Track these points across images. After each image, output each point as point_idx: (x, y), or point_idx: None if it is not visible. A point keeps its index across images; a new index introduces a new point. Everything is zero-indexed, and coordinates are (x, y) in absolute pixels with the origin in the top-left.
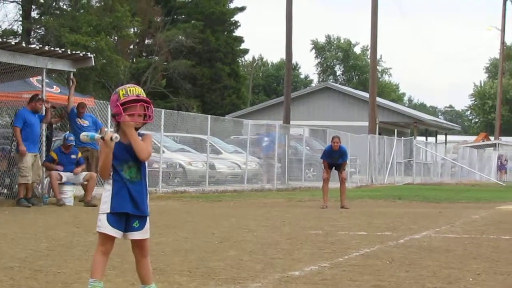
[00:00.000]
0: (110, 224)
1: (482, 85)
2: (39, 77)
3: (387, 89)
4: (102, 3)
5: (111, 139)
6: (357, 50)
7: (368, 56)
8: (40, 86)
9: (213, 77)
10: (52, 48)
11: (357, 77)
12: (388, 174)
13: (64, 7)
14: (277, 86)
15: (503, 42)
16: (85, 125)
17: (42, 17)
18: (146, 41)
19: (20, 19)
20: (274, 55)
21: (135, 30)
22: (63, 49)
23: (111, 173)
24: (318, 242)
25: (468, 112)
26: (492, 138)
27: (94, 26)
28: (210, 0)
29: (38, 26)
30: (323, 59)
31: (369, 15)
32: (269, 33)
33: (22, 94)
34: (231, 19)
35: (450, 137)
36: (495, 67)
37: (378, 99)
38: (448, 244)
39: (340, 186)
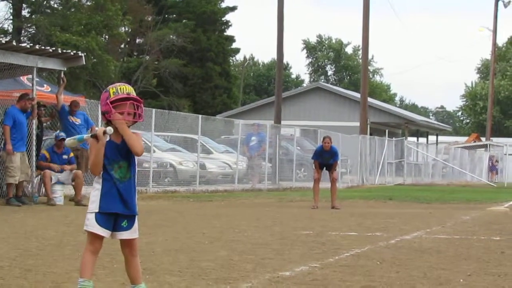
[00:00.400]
0: (98, 223)
1: (474, 86)
2: (30, 76)
3: (378, 89)
4: (93, 2)
5: (104, 132)
6: (349, 50)
7: (360, 56)
8: (31, 84)
9: (204, 77)
10: (43, 47)
11: (348, 77)
12: (379, 174)
13: (55, 5)
14: (268, 86)
15: (494, 43)
16: (77, 123)
17: (33, 16)
18: (137, 40)
19: (11, 17)
20: (265, 55)
21: (126, 29)
22: (54, 48)
23: (101, 171)
24: (308, 243)
25: (459, 113)
26: (483, 139)
27: (84, 25)
28: None
29: (28, 25)
30: (314, 59)
31: (361, 15)
32: (260, 33)
33: (12, 93)
34: (222, 19)
35: (441, 138)
36: (486, 68)
37: (369, 99)
38: (439, 245)
39: (331, 187)
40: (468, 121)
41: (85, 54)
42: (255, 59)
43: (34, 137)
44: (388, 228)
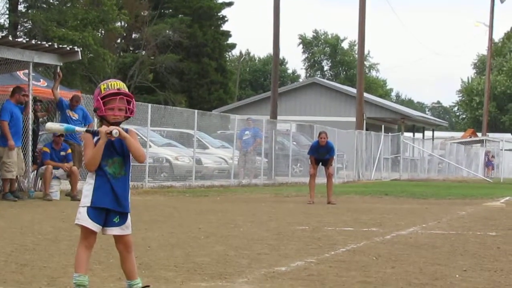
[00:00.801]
0: (89, 218)
1: (470, 81)
2: (26, 71)
3: (374, 85)
4: None
5: (110, 133)
6: (345, 45)
7: (356, 52)
8: (27, 79)
9: (200, 72)
10: (39, 42)
11: (344, 73)
12: (375, 170)
13: (51, 0)
14: (264, 81)
15: (491, 38)
16: (74, 118)
17: (29, 11)
18: (133, 35)
19: (7, 12)
20: (262, 50)
21: (122, 24)
22: (50, 43)
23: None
24: (304, 238)
25: (456, 108)
26: (479, 134)
27: (81, 20)
28: None
29: (25, 20)
30: (310, 54)
31: (357, 10)
32: (256, 28)
33: (8, 88)
34: (219, 14)
35: (437, 133)
36: (482, 63)
37: (366, 94)
38: (434, 241)
39: (327, 182)
40: (464, 116)
41: (81, 49)
42: (251, 54)
43: (30, 132)
44: (384, 223)
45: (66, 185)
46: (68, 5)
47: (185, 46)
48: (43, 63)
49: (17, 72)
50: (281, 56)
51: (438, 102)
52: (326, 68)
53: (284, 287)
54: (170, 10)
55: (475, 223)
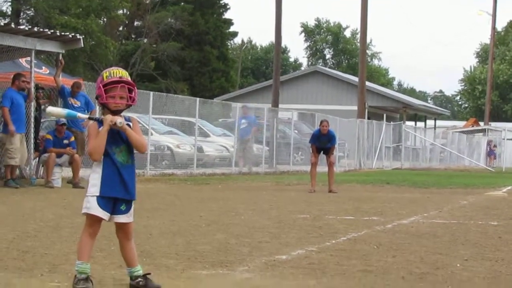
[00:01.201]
0: (99, 206)
1: (472, 70)
2: (28, 58)
3: (376, 73)
4: None
5: (114, 124)
6: (347, 33)
7: (358, 40)
8: (29, 67)
9: (202, 60)
10: (41, 29)
11: (346, 61)
12: (377, 158)
13: None
14: (266, 69)
15: (494, 27)
16: (76, 105)
17: None
18: (135, 23)
19: (10, 0)
20: (263, 38)
21: (124, 11)
22: (52, 30)
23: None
24: (305, 226)
25: (458, 97)
26: (481, 123)
27: (83, 7)
28: None
29: (27, 7)
30: (312, 42)
31: None
32: (258, 16)
33: (10, 75)
34: (221, 2)
35: (439, 122)
36: (485, 52)
37: (368, 83)
38: (436, 230)
39: (328, 170)
40: (466, 105)
41: (83, 36)
42: (253, 43)
43: (33, 120)
44: (385, 212)
45: (67, 172)
46: None
47: (187, 34)
48: (45, 51)
49: (20, 60)
50: (283, 45)
51: (440, 91)
52: (328, 56)
53: (285, 275)
54: None
55: (477, 212)
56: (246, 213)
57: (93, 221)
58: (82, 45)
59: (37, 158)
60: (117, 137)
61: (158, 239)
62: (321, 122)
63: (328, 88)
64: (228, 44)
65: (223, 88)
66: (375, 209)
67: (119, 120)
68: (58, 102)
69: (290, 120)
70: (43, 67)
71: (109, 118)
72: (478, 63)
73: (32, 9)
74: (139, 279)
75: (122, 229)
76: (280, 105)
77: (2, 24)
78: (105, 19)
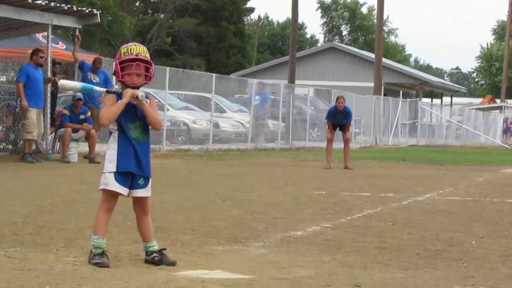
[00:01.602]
0: (117, 182)
1: (489, 47)
2: (45, 33)
3: (393, 50)
4: None
5: (137, 97)
6: (364, 10)
7: (375, 17)
8: (46, 42)
9: (219, 36)
10: (58, 4)
11: (363, 38)
12: (393, 135)
13: None
14: (282, 45)
15: (511, 4)
16: (95, 81)
17: None
18: None
19: None
20: (280, 14)
21: None
22: (69, 6)
23: (116, 132)
24: (321, 203)
25: (474, 74)
26: (498, 100)
27: None
28: None
29: None
30: (329, 18)
31: None
32: None
33: (27, 50)
34: None
35: (455, 99)
36: (502, 29)
37: (384, 60)
38: (451, 207)
39: (344, 147)
40: (483, 82)
41: (100, 11)
42: (270, 19)
43: (49, 94)
44: (401, 189)
45: (84, 147)
46: None
47: (204, 10)
48: (62, 26)
49: (36, 35)
50: (299, 21)
51: (457, 68)
52: (344, 33)
53: (300, 251)
54: None
55: (492, 189)
56: (262, 189)
57: (110, 197)
58: (99, 20)
59: (54, 133)
60: (133, 113)
61: (173, 215)
62: (337, 98)
63: (344, 65)
64: (245, 19)
65: (240, 64)
66: (391, 185)
67: (140, 93)
68: (75, 77)
69: (306, 97)
70: (60, 42)
71: (130, 91)
72: (495, 40)
73: None
74: (155, 254)
75: (139, 203)
76: (296, 81)
77: None
78: None
